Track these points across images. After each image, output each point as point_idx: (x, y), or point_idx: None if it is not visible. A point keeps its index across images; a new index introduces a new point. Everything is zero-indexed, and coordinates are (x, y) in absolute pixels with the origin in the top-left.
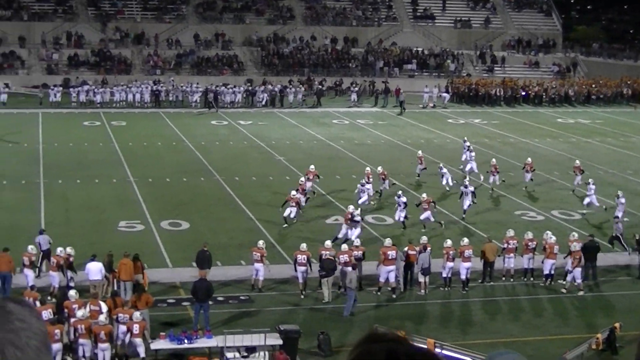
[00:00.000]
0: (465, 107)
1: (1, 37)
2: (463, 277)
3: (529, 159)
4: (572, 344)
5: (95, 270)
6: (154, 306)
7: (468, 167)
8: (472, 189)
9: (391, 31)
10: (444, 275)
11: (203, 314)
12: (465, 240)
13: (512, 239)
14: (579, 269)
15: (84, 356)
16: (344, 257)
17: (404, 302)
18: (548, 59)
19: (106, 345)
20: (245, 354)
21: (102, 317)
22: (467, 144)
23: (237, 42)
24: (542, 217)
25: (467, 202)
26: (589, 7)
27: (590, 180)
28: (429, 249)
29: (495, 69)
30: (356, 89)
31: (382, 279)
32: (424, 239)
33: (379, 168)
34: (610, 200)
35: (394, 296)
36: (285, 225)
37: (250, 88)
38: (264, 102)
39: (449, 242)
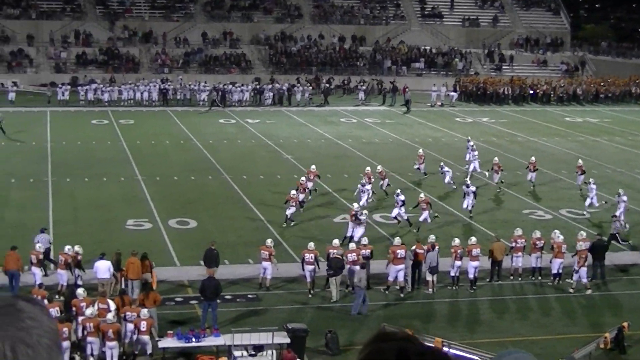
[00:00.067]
0: (473, 105)
1: (9, 36)
2: (471, 276)
3: (533, 158)
4: (580, 343)
5: (103, 268)
6: (161, 305)
7: (471, 167)
8: (473, 188)
9: (399, 30)
10: (452, 274)
11: (211, 312)
12: (473, 239)
13: (520, 238)
14: (584, 269)
15: (92, 354)
16: (351, 256)
17: (411, 301)
18: (556, 58)
19: (114, 343)
20: (253, 352)
21: (110, 316)
22: (471, 143)
23: (245, 40)
24: (550, 216)
25: (467, 201)
26: (597, 5)
27: (590, 180)
28: (437, 247)
29: (504, 67)
30: (364, 87)
31: (391, 278)
32: (432, 237)
33: (379, 167)
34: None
35: (402, 295)
36: (285, 225)
37: (258, 86)
38: (270, 101)
39: (457, 241)
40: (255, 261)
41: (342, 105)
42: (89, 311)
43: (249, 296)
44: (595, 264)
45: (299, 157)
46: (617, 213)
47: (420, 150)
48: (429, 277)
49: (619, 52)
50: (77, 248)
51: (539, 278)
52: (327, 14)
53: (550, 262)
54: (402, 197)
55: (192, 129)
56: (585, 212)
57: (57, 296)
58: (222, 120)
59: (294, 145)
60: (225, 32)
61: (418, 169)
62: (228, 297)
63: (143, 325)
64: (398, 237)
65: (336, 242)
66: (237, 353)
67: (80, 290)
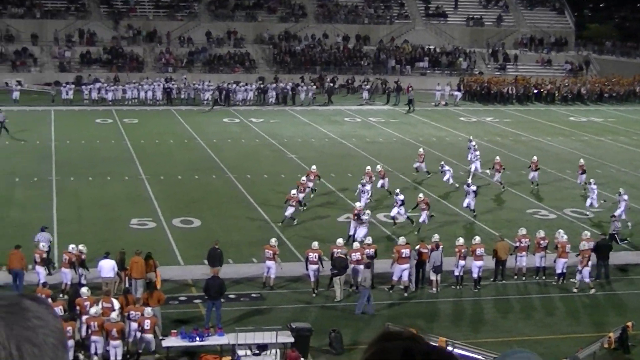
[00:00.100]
0: (478, 105)
1: (14, 35)
2: (475, 275)
3: (535, 157)
4: (584, 342)
5: (107, 267)
6: (165, 304)
7: (472, 167)
8: (474, 188)
9: (403, 29)
10: (456, 273)
11: (215, 311)
12: (477, 238)
13: (524, 238)
14: (587, 268)
15: (96, 353)
16: (355, 256)
17: (415, 300)
18: (560, 57)
19: (118, 342)
20: (257, 351)
21: (114, 315)
22: (473, 143)
23: (249, 39)
24: (554, 216)
25: (467, 200)
26: (601, 5)
27: (591, 180)
28: (441, 247)
29: (508, 67)
30: (367, 86)
31: (395, 277)
32: (436, 237)
33: (378, 166)
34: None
35: (406, 294)
36: (281, 224)
37: (262, 86)
38: (273, 100)
39: (461, 240)
40: (259, 260)
41: (346, 105)
42: (93, 310)
43: (253, 295)
44: (599, 263)
45: (303, 156)
46: (617, 213)
47: (421, 149)
48: (432, 277)
49: (624, 51)
50: (81, 247)
51: (543, 278)
52: (331, 14)
53: (555, 262)
54: (401, 197)
55: (196, 128)
56: (587, 212)
57: (61, 295)
58: (226, 120)
59: (298, 144)
60: (229, 32)
61: (416, 169)
62: (232, 296)
63: (147, 324)
64: (403, 237)
65: (340, 241)
66: (241, 352)
67: (84, 289)
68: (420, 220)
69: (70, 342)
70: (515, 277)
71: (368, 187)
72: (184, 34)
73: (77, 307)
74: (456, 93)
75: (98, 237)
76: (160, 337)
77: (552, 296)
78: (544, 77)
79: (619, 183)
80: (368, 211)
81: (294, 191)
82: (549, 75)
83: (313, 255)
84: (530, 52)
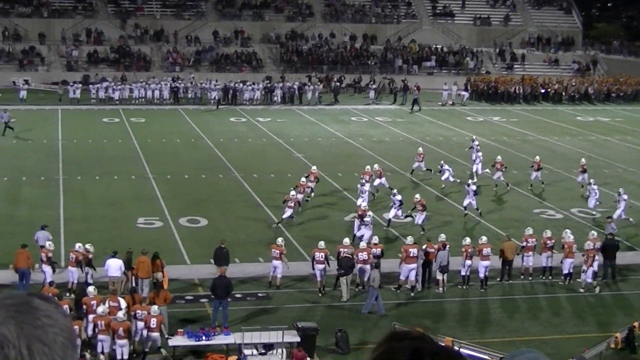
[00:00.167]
0: (485, 104)
1: (21, 34)
2: (481, 275)
3: (537, 157)
4: (590, 342)
5: (115, 266)
6: (172, 303)
7: (474, 168)
8: (474, 187)
9: (410, 28)
10: (463, 273)
11: (222, 310)
12: (484, 238)
13: (531, 237)
14: (592, 268)
15: (102, 352)
16: (362, 255)
17: (422, 300)
18: (568, 57)
19: (124, 341)
20: (263, 350)
21: (121, 314)
22: (476, 142)
23: (256, 39)
24: (560, 216)
25: (467, 200)
26: (609, 4)
27: (591, 180)
28: (447, 246)
29: (515, 66)
30: (374, 86)
31: (402, 277)
32: (443, 236)
33: (375, 166)
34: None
35: (412, 294)
36: (275, 225)
37: (268, 85)
38: (278, 99)
39: (467, 240)
40: (266, 260)
41: (353, 104)
42: (100, 309)
43: (259, 295)
44: (606, 263)
45: (309, 155)
46: (615, 215)
47: (420, 149)
48: (439, 276)
49: (631, 51)
50: (87, 246)
51: (550, 277)
52: (339, 13)
53: (562, 262)
54: (399, 197)
55: (203, 127)
56: (594, 212)
57: (67, 294)
58: (233, 119)
59: (305, 143)
60: (237, 31)
61: (413, 169)
62: (238, 295)
63: (153, 322)
64: (410, 236)
65: (347, 241)
66: (247, 351)
67: (90, 288)
68: (416, 221)
69: (77, 341)
70: (522, 277)
71: (367, 186)
72: (191, 33)
73: (84, 306)
74: (463, 93)
75: (105, 236)
76: (167, 336)
77: (559, 296)
78: (551, 76)
79: (626, 183)
80: (370, 212)
81: (293, 192)
82: (556, 75)
83: (319, 255)
84: (537, 51)
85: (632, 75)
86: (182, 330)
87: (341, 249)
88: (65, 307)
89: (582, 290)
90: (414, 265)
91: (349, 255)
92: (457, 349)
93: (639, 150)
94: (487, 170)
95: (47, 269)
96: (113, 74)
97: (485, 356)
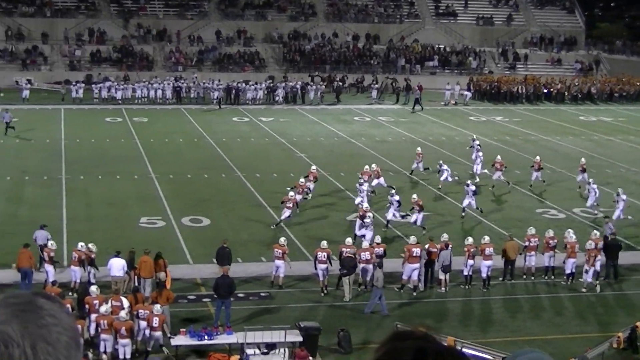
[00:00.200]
0: (487, 104)
1: (24, 33)
2: (484, 275)
3: (538, 157)
4: (592, 342)
5: (117, 266)
6: (174, 302)
7: (475, 168)
8: (473, 187)
9: (413, 28)
10: (465, 273)
11: (224, 310)
12: (487, 238)
13: (534, 237)
14: (593, 268)
15: (105, 352)
16: (365, 255)
17: (424, 299)
18: (570, 57)
19: (127, 341)
20: (266, 350)
21: (124, 313)
22: (477, 142)
23: (259, 38)
24: (563, 215)
25: (467, 200)
26: (612, 4)
27: (590, 180)
28: (450, 246)
29: (518, 66)
30: (377, 85)
31: (405, 276)
32: (445, 236)
33: (373, 165)
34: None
35: (415, 294)
36: (273, 227)
37: (271, 85)
38: (280, 99)
39: (470, 240)
40: (268, 259)
41: (355, 104)
42: (103, 308)
43: (262, 294)
44: (609, 263)
45: (312, 155)
46: (615, 215)
47: (419, 149)
48: (441, 276)
49: (634, 50)
50: (90, 246)
51: (552, 277)
52: (341, 13)
53: (564, 262)
54: (397, 198)
55: (206, 127)
56: (596, 212)
57: (69, 293)
58: (236, 119)
59: (307, 143)
60: (239, 31)
61: (412, 170)
62: (241, 295)
63: (155, 321)
64: (413, 236)
65: (349, 240)
66: (249, 351)
67: (93, 288)
68: (412, 221)
69: (81, 341)
70: (524, 276)
71: (365, 186)
72: (194, 32)
73: (87, 306)
74: (466, 92)
75: (107, 235)
76: (169, 336)
77: (561, 296)
78: (553, 76)
79: (629, 183)
80: (370, 214)
81: (291, 193)
82: (559, 75)
83: (322, 255)
84: (540, 51)
85: (634, 75)
86: (184, 329)
87: (343, 249)
88: (68, 306)
89: (584, 290)
90: (416, 265)
91: (352, 255)
92: (459, 348)
93: None
94: (486, 170)
95: (50, 268)
96: (116, 73)
97: (488, 356)
